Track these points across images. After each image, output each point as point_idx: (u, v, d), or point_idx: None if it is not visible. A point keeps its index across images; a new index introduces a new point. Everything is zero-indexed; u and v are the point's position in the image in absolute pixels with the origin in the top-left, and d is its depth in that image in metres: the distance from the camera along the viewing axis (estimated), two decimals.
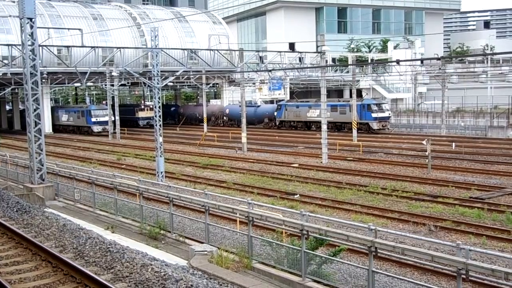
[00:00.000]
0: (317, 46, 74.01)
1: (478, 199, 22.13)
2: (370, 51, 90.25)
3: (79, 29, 38.63)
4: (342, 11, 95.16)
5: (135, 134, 62.15)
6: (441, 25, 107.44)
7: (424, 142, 30.63)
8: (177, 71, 36.37)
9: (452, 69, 69.75)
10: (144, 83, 40.16)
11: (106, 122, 61.64)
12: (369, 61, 76.01)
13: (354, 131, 45.03)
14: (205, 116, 59.63)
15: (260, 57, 53.35)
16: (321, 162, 33.82)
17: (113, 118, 59.92)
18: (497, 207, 20.66)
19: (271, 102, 73.74)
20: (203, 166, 34.07)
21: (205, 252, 13.76)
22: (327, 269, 12.67)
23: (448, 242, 12.18)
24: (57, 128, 71.01)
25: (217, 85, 76.62)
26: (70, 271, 11.42)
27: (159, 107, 27.78)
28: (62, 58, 55.01)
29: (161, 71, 29.37)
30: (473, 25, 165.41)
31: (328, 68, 65.45)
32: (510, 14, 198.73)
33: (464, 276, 9.63)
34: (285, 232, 15.43)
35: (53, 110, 74.68)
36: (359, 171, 30.36)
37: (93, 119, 64.04)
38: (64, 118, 70.57)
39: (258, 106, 69.06)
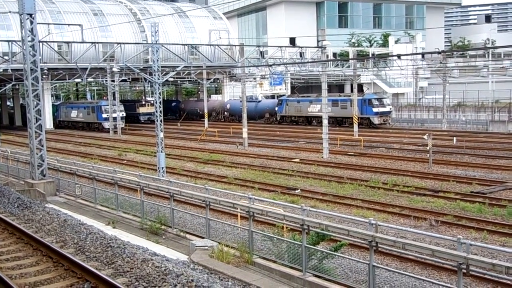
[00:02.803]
0: (318, 41, 73.91)
1: (479, 193, 22.11)
2: (371, 46, 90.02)
3: (79, 25, 38.66)
4: (342, 6, 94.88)
5: (136, 130, 62.12)
6: (442, 19, 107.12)
7: (425, 136, 30.59)
8: (178, 67, 36.25)
9: (453, 63, 69.65)
10: (144, 78, 40.14)
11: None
12: (370, 55, 75.79)
13: (355, 126, 44.98)
14: (206, 111, 59.60)
15: (261, 52, 53.35)
16: (322, 157, 33.80)
17: (122, 114, 59.94)
18: (498, 202, 20.65)
19: (272, 97, 73.64)
20: (204, 162, 34.07)
21: (206, 247, 13.77)
22: (328, 264, 12.68)
23: (449, 237, 12.18)
24: (66, 124, 69.93)
25: (218, 81, 76.55)
26: (71, 266, 11.42)
27: (160, 102, 27.76)
28: (62, 54, 54.91)
29: (162, 67, 29.33)
30: (474, 19, 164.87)
31: (329, 62, 65.35)
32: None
33: (464, 271, 9.62)
34: (286, 227, 15.43)
35: (61, 106, 74.12)
36: (360, 166, 30.35)
37: (104, 115, 61.57)
38: (73, 114, 68.80)
39: (259, 101, 68.99)
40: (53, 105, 76.71)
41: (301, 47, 49.27)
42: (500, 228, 17.32)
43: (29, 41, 22.02)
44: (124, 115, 61.84)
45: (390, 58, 61.31)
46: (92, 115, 64.70)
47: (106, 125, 61.01)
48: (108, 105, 60.35)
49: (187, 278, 10.21)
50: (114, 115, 59.32)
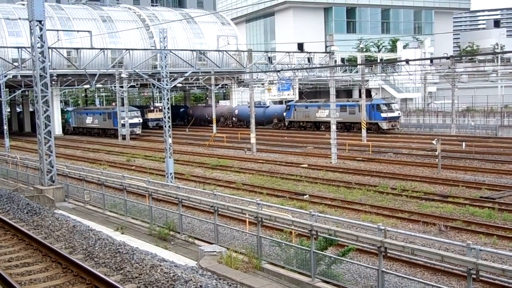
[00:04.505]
0: (326, 46, 73.90)
1: (489, 198, 21.98)
2: (379, 51, 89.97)
3: (88, 31, 38.89)
4: (351, 11, 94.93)
5: (145, 136, 62.25)
6: (451, 24, 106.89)
7: (434, 141, 30.48)
8: (186, 72, 36.38)
9: (462, 68, 69.37)
10: (153, 84, 40.30)
11: (134, 124, 59.10)
12: (378, 61, 75.75)
13: (364, 131, 44.88)
14: (214, 117, 59.69)
15: (269, 57, 53.48)
16: (331, 162, 33.74)
17: (139, 120, 60.18)
18: (508, 207, 20.52)
19: (280, 102, 73.69)
20: (212, 167, 34.10)
21: (214, 253, 13.76)
22: (337, 269, 12.64)
23: (458, 242, 12.09)
24: (80, 131, 69.47)
25: (226, 86, 76.72)
26: (80, 272, 11.45)
27: (168, 108, 27.84)
28: (71, 60, 55.23)
29: (170, 72, 29.44)
30: (483, 24, 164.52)
31: (337, 68, 65.36)
32: None
33: (474, 276, 9.56)
34: (294, 233, 15.41)
35: (75, 112, 73.98)
36: (369, 171, 30.26)
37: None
38: (88, 120, 67.97)
39: (267, 106, 68.99)
40: (66, 111, 76.87)
41: (309, 53, 49.34)
42: (510, 233, 17.20)
43: (38, 47, 22.16)
44: (141, 121, 61.64)
45: (399, 63, 61.16)
46: (108, 121, 63.57)
47: (123, 131, 60.32)
48: (124, 111, 58.80)
49: (195, 284, 10.21)
50: (131, 121, 58.73)
